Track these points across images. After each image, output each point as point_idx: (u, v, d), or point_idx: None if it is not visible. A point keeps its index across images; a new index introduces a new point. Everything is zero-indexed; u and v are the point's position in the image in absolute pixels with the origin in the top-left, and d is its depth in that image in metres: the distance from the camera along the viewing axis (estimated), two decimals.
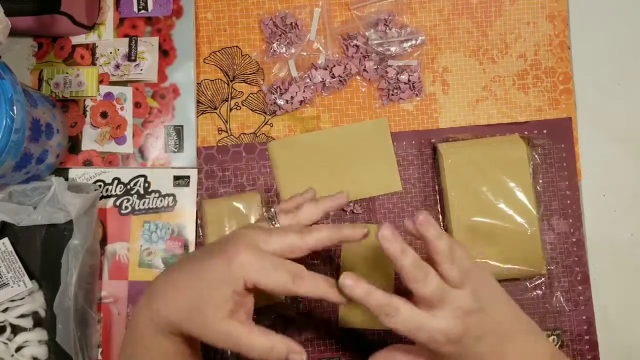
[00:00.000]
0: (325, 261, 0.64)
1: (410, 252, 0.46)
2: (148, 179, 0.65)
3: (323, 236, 0.48)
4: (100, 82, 0.65)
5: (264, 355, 0.45)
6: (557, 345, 0.64)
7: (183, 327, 0.46)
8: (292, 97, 0.64)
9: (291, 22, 0.65)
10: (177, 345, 0.48)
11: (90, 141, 0.65)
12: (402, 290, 0.48)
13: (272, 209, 0.51)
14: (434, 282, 0.46)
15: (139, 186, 0.65)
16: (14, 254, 0.62)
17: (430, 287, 0.45)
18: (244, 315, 0.46)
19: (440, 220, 0.65)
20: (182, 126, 0.65)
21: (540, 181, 0.65)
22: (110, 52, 0.65)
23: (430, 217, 0.46)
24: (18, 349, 0.61)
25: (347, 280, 0.45)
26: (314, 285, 0.46)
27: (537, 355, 0.49)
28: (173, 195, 0.64)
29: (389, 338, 0.64)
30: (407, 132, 0.66)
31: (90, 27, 0.64)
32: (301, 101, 0.65)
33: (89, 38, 0.65)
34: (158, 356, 0.48)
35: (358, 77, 0.66)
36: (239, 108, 0.66)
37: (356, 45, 0.65)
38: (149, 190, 0.65)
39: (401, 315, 0.46)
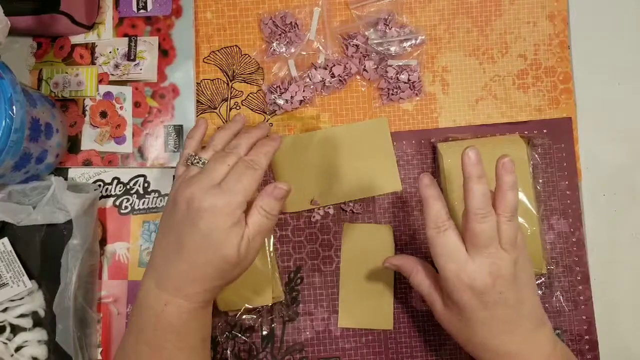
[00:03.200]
0: (325, 261, 0.64)
1: (484, 182, 0.47)
2: (148, 179, 0.65)
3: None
4: (100, 81, 0.65)
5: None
6: None
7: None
8: (291, 97, 0.64)
9: (291, 22, 0.65)
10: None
11: (89, 141, 0.65)
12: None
13: (193, 154, 0.53)
14: (492, 221, 0.47)
15: (139, 186, 0.65)
16: (14, 253, 0.61)
17: (486, 225, 0.47)
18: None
19: None
20: (181, 126, 0.65)
21: (540, 181, 0.65)
22: (110, 52, 0.65)
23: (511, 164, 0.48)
24: (18, 349, 0.61)
25: (425, 179, 0.50)
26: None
27: (542, 341, 0.50)
28: None
29: (389, 339, 0.64)
30: (407, 132, 0.66)
31: (89, 27, 0.64)
32: (301, 101, 0.65)
33: (89, 37, 0.65)
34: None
35: (358, 77, 0.66)
36: (238, 108, 0.66)
37: (356, 45, 0.65)
38: (149, 190, 0.65)
39: (447, 235, 0.48)
